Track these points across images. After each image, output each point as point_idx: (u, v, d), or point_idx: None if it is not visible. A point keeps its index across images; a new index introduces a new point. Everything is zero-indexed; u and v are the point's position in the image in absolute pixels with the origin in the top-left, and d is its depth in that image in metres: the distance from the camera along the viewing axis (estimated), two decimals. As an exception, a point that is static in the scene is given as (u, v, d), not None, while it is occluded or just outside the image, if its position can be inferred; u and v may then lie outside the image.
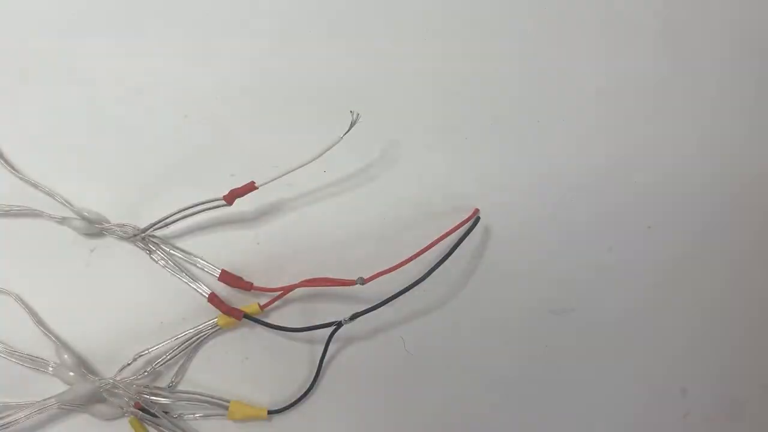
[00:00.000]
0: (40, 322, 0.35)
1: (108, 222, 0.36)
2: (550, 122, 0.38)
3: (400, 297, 0.33)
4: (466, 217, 0.35)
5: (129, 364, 0.34)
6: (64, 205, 0.36)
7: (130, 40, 0.38)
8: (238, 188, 0.34)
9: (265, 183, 0.34)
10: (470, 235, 0.35)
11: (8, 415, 0.33)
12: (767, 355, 0.37)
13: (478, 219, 0.35)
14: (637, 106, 0.39)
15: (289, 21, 0.38)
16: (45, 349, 0.34)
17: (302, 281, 0.35)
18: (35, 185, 0.36)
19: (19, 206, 0.35)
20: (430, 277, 0.34)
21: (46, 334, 0.34)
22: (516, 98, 0.38)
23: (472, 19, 0.39)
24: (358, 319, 0.33)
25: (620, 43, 0.39)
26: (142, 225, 0.35)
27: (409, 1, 0.39)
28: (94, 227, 0.35)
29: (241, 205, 0.35)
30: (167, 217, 0.35)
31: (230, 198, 0.34)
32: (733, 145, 0.38)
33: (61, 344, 0.34)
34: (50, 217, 0.35)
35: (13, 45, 0.37)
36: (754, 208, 0.38)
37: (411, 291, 0.34)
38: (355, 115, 0.34)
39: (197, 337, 0.35)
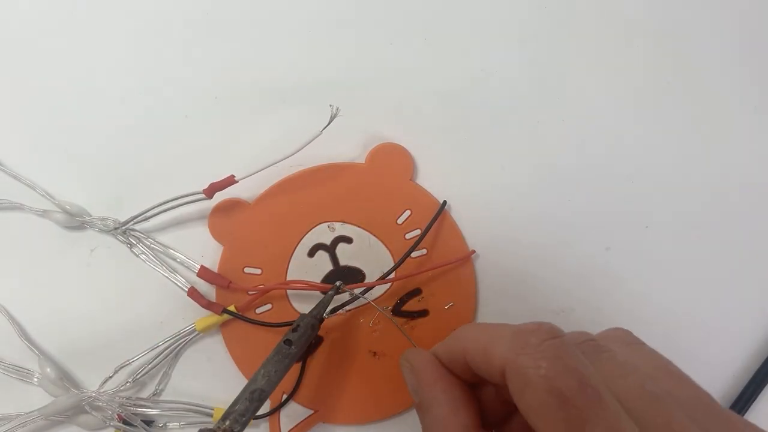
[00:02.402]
0: (23, 333, 0.35)
1: (89, 215, 0.36)
2: (549, 122, 0.37)
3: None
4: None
5: (111, 377, 0.34)
6: (46, 197, 0.35)
7: (130, 40, 0.37)
8: (218, 182, 0.34)
9: (245, 177, 0.34)
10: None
11: None
12: None
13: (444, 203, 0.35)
14: (637, 106, 0.38)
15: (289, 20, 0.38)
16: (30, 359, 0.35)
17: (280, 282, 0.35)
18: (16, 177, 0.36)
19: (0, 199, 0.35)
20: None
21: (29, 348, 0.34)
22: (515, 98, 0.38)
23: (471, 19, 0.38)
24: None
25: (620, 43, 0.39)
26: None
27: (407, 2, 0.39)
28: (75, 220, 0.35)
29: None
30: (147, 211, 0.34)
31: (210, 192, 0.34)
32: (733, 144, 0.38)
33: (44, 357, 0.34)
34: (31, 210, 0.35)
35: (2, 38, 0.37)
36: (755, 209, 0.37)
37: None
38: (334, 109, 0.33)
39: (177, 343, 0.34)
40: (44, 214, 0.35)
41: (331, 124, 0.34)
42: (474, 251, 0.36)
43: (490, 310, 0.36)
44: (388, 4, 0.38)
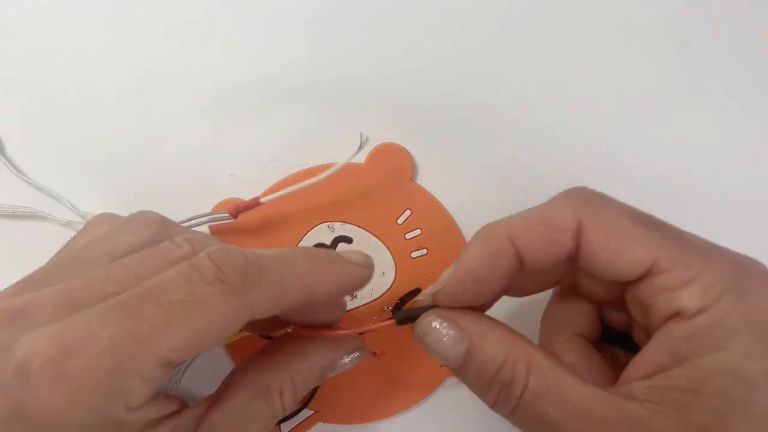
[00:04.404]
0: None
1: (110, 226, 0.37)
2: (549, 122, 0.37)
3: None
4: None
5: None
6: (70, 209, 0.38)
7: (129, 39, 0.39)
8: (243, 203, 0.35)
9: (269, 199, 0.34)
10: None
11: None
12: None
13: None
14: (637, 106, 0.37)
15: (289, 20, 0.39)
16: None
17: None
18: (40, 188, 0.38)
19: (24, 208, 0.38)
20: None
21: None
22: (515, 98, 0.37)
23: (471, 19, 0.38)
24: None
25: (620, 43, 0.38)
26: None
27: (407, 2, 0.39)
28: (97, 230, 0.37)
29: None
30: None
31: (235, 213, 0.35)
32: (734, 144, 0.37)
33: None
34: (55, 221, 0.38)
35: (17, 46, 0.39)
36: (755, 209, 0.36)
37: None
38: (364, 138, 0.35)
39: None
40: (68, 224, 0.37)
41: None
42: None
43: (490, 311, 0.35)
44: (388, 4, 0.39)
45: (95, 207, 0.37)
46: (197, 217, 0.35)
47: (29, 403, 0.19)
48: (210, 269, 0.22)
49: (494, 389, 0.23)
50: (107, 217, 0.30)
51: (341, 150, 0.37)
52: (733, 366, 0.20)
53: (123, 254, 0.25)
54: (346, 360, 0.28)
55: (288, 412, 0.26)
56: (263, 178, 0.36)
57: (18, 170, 0.38)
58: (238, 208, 0.35)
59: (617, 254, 0.23)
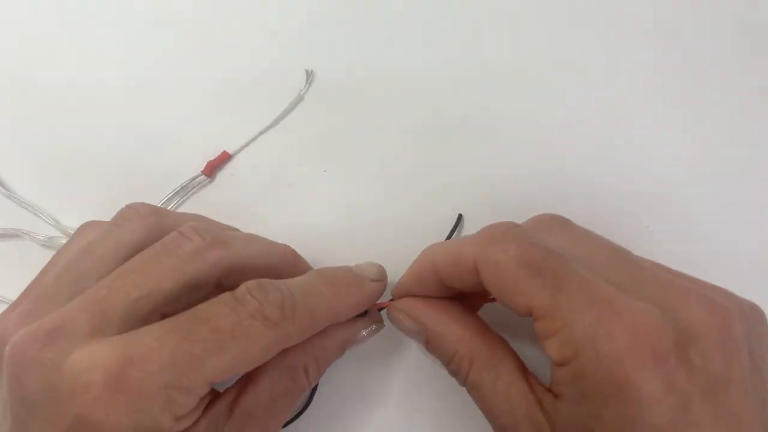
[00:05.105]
0: None
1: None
2: (549, 122, 0.38)
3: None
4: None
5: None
6: (52, 224, 0.35)
7: (129, 39, 0.39)
8: (213, 159, 0.34)
9: (239, 150, 0.34)
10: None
11: None
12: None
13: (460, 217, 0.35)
14: (637, 106, 0.38)
15: (289, 19, 0.39)
16: None
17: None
18: (21, 203, 0.36)
19: (4, 228, 0.35)
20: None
21: None
22: (515, 98, 0.38)
23: (469, 20, 0.39)
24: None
25: (620, 43, 0.39)
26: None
27: (407, 2, 0.40)
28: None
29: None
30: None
31: (208, 170, 0.34)
32: (734, 144, 0.38)
33: None
34: (36, 240, 0.35)
35: (4, 54, 0.39)
36: (755, 209, 0.37)
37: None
38: (310, 72, 0.36)
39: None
40: (50, 240, 0.35)
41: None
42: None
43: (490, 311, 0.34)
44: (388, 5, 0.39)
45: (95, 208, 0.36)
46: (173, 194, 0.35)
47: (92, 412, 0.21)
48: (253, 304, 0.24)
49: (449, 369, 0.28)
50: (95, 224, 0.29)
51: (342, 150, 0.37)
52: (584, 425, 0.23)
53: (127, 252, 0.26)
54: (365, 333, 0.30)
55: (314, 384, 0.30)
56: (258, 150, 0.35)
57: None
58: (210, 166, 0.35)
59: (502, 297, 0.25)
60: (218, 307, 0.24)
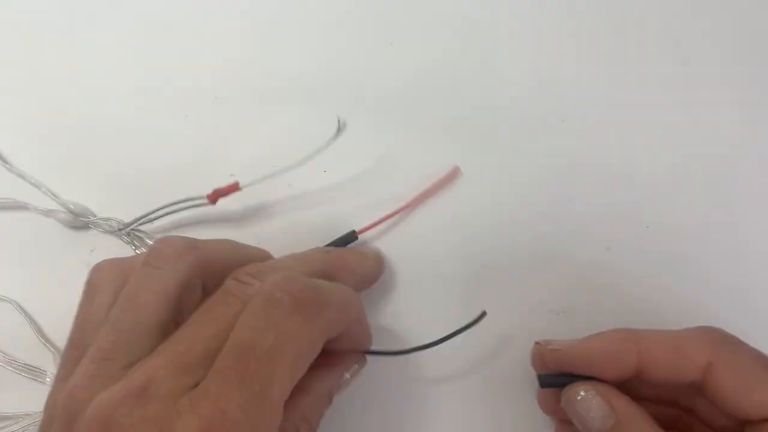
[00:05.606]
0: (39, 331, 0.35)
1: (94, 215, 0.36)
2: (549, 122, 0.38)
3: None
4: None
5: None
6: (50, 197, 0.36)
7: (129, 39, 0.38)
8: (222, 188, 0.34)
9: (249, 184, 0.34)
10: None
11: (5, 427, 0.33)
12: None
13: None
14: (637, 106, 0.38)
15: (290, 20, 0.38)
16: (42, 358, 0.34)
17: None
18: (21, 176, 0.36)
19: (4, 199, 0.35)
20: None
21: (45, 345, 0.34)
22: (515, 98, 0.38)
23: (469, 20, 0.39)
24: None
25: (620, 43, 0.39)
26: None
27: (407, 2, 0.39)
28: (80, 220, 0.36)
29: (229, 204, 0.35)
30: (151, 212, 0.35)
31: (213, 197, 0.34)
32: (734, 144, 0.38)
33: (60, 355, 0.34)
34: (36, 209, 0.36)
35: (7, 37, 0.37)
36: (756, 209, 0.37)
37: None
38: (341, 123, 0.34)
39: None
40: (49, 213, 0.36)
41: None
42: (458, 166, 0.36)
43: (489, 310, 0.36)
44: (389, 5, 0.39)
45: (101, 207, 0.36)
46: (177, 203, 0.34)
47: None
48: (285, 301, 0.23)
49: None
50: (113, 265, 0.27)
51: (341, 150, 0.36)
52: None
53: (176, 295, 0.25)
54: (348, 376, 0.29)
55: None
56: (267, 185, 0.35)
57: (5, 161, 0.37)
58: (217, 193, 0.34)
59: (744, 395, 0.25)
60: (252, 323, 0.23)
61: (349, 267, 0.30)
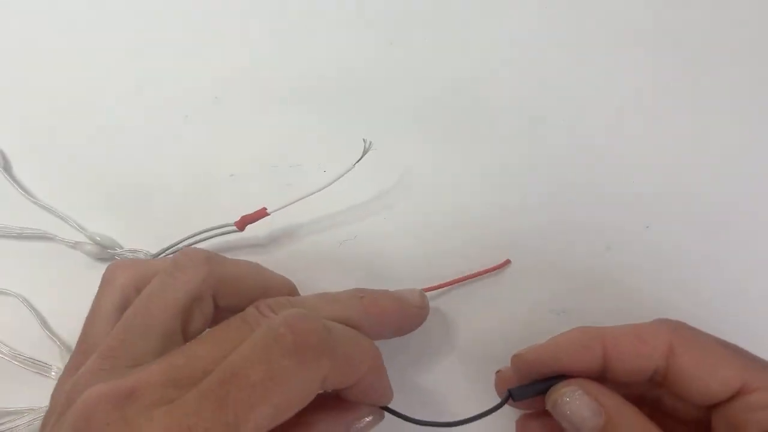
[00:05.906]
0: (44, 324, 0.35)
1: (121, 247, 0.36)
2: (549, 122, 0.38)
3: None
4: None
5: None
6: (77, 229, 0.36)
7: (129, 39, 0.38)
8: (250, 215, 0.34)
9: (277, 209, 0.34)
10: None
11: (9, 421, 0.33)
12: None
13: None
14: (637, 106, 0.38)
15: (290, 21, 0.38)
16: (48, 353, 0.35)
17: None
18: (48, 209, 0.36)
19: (32, 229, 0.36)
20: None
21: (50, 338, 0.35)
22: (515, 99, 0.38)
23: (469, 20, 0.39)
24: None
25: (620, 43, 0.38)
26: (152, 247, 0.36)
27: (407, 2, 0.39)
28: (107, 252, 0.36)
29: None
30: (179, 243, 0.35)
31: (241, 224, 0.34)
32: (734, 144, 0.37)
33: (66, 348, 0.35)
34: (63, 242, 0.36)
35: (18, 56, 0.38)
36: (756, 209, 0.37)
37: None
38: (367, 144, 0.34)
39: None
40: (75, 245, 0.36)
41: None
42: (509, 261, 0.36)
43: (488, 310, 0.36)
44: (388, 5, 0.39)
45: (96, 210, 0.37)
46: (204, 231, 0.35)
47: None
48: (288, 339, 0.22)
49: None
50: (129, 264, 0.29)
51: (341, 150, 0.37)
52: None
53: (185, 305, 0.26)
54: (359, 426, 0.28)
55: None
56: (295, 209, 0.35)
57: (23, 189, 0.37)
58: (244, 220, 0.35)
59: (709, 374, 0.24)
60: (248, 354, 0.22)
61: (383, 315, 0.29)
